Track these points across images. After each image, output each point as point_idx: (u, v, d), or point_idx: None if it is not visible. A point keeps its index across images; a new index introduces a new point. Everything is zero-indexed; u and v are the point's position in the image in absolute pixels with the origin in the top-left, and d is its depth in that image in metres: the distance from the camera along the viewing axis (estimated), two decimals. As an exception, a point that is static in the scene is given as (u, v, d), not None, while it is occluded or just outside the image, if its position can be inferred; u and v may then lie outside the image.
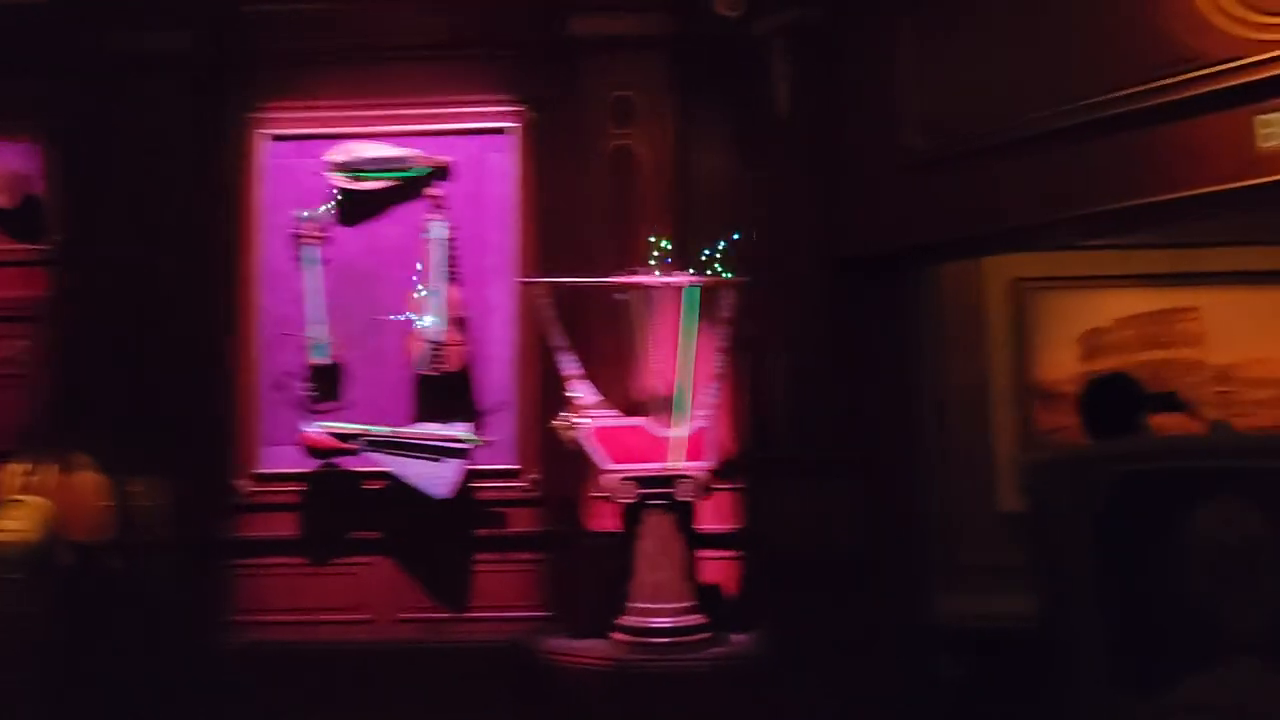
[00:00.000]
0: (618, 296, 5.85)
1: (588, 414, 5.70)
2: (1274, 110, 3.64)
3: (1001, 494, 6.17)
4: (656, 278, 5.86)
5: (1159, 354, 6.17)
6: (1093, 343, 6.22)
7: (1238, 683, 2.41)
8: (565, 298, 5.97)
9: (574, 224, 6.33)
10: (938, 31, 4.85)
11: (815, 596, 5.28)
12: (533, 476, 6.34)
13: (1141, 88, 4.05)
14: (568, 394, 5.75)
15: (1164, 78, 3.97)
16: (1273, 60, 3.66)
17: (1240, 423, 6.03)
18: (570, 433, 5.68)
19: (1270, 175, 3.65)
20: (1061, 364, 6.22)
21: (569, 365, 5.76)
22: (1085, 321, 6.23)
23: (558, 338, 5.76)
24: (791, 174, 5.50)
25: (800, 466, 5.32)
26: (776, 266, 5.62)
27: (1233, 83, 3.76)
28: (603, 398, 5.82)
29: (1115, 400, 3.45)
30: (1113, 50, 4.17)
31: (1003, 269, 6.28)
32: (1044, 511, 2.86)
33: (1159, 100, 3.99)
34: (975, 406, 6.23)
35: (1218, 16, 3.81)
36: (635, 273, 5.85)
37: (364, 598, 6.31)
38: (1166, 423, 3.98)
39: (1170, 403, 4.14)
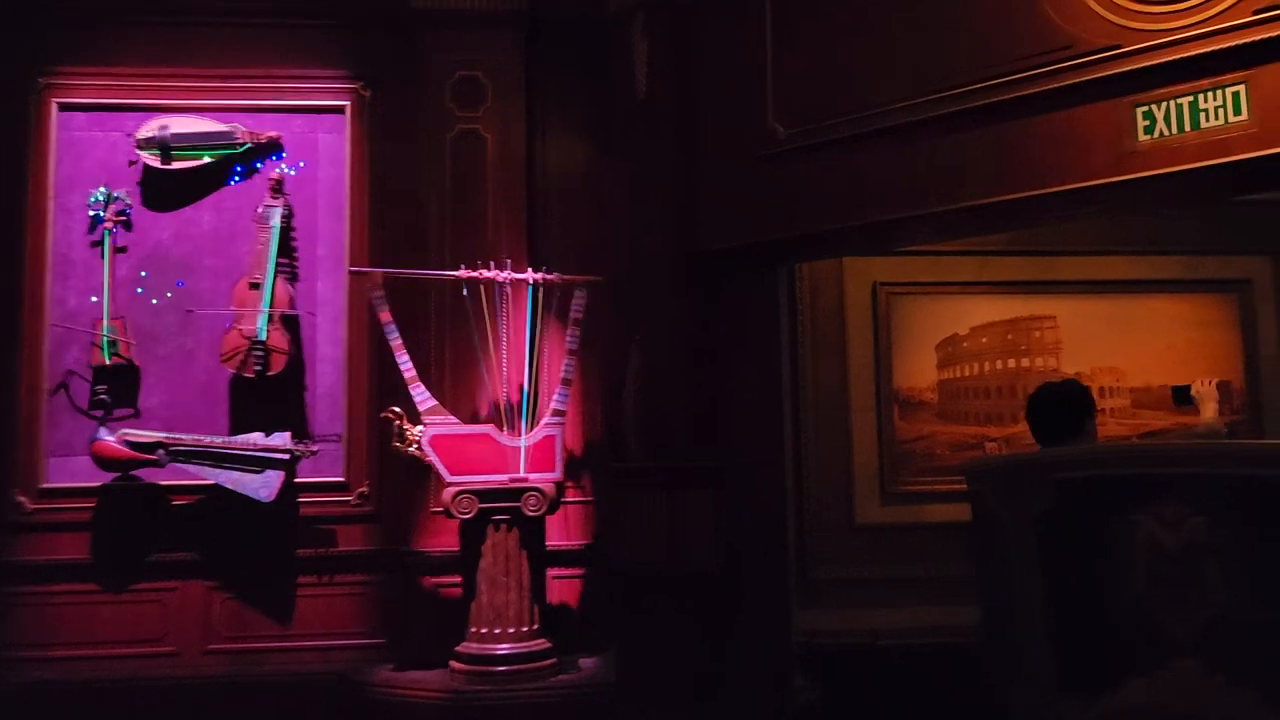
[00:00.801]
0: (463, 294, 5.35)
1: (427, 420, 5.18)
2: (1155, 101, 3.47)
3: (859, 505, 5.95)
4: (503, 274, 5.40)
5: (1016, 362, 6.08)
6: (950, 350, 6.08)
7: (1178, 685, 2.42)
8: (403, 293, 5.45)
9: (414, 214, 5.82)
10: (801, 12, 4.57)
11: (670, 617, 4.89)
12: (363, 490, 5.76)
13: (1015, 76, 3.84)
14: (407, 399, 5.22)
15: (1039, 66, 3.77)
16: (1154, 48, 3.49)
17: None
18: (406, 442, 5.16)
19: (1150, 169, 3.48)
20: (920, 371, 6.06)
21: (406, 366, 5.23)
22: (944, 328, 6.09)
23: (394, 336, 5.22)
24: (649, 163, 5.13)
25: (655, 477, 4.93)
26: (632, 263, 5.24)
27: (1111, 71, 3.58)
28: (443, 403, 5.31)
29: (1063, 407, 3.40)
30: (985, 36, 3.96)
31: (864, 272, 6.08)
32: (987, 517, 2.84)
33: (1033, 89, 3.79)
34: (834, 414, 6.00)
35: (1096, 2, 3.62)
36: (480, 268, 5.37)
37: (168, 627, 5.60)
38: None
39: (1184, 397, 4.17)
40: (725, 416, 5.05)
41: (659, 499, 4.87)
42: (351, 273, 5.68)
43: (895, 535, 5.83)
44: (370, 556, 5.71)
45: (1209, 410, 4.02)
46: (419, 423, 5.18)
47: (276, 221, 5.67)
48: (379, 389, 5.70)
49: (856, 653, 5.49)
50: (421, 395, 5.22)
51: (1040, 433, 3.46)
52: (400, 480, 5.58)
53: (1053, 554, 2.67)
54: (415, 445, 5.15)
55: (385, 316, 5.21)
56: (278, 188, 5.75)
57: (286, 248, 5.78)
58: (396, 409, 5.19)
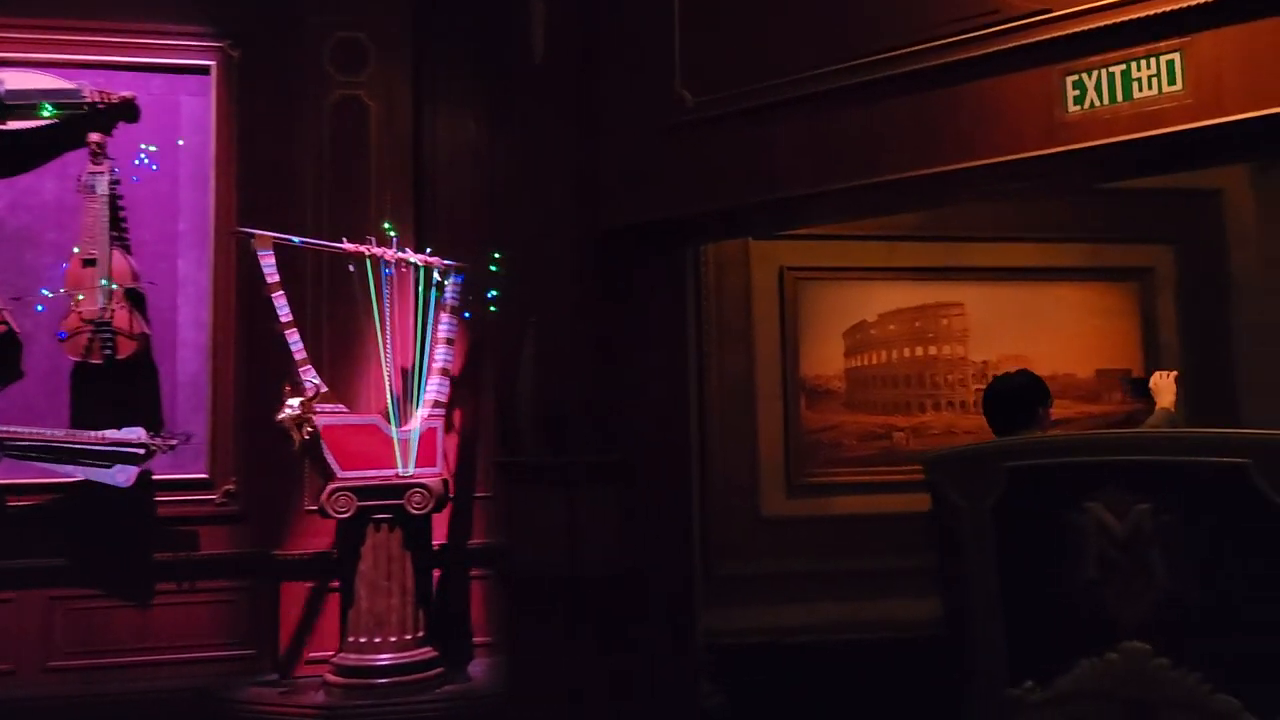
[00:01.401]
0: (349, 270, 4.87)
1: (319, 408, 4.68)
2: (1086, 69, 3.26)
3: (765, 498, 5.71)
4: (390, 251, 4.95)
5: (924, 350, 5.91)
6: (858, 337, 5.88)
7: (1126, 667, 2.48)
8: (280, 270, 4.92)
9: (288, 186, 5.31)
10: (711, -28, 4.26)
11: (568, 621, 4.55)
12: (229, 488, 5.25)
13: (938, 42, 3.58)
14: (294, 383, 4.71)
15: (963, 31, 3.52)
16: (1084, 13, 3.28)
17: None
18: (299, 431, 4.63)
19: (1081, 141, 3.27)
20: (828, 359, 5.84)
21: (297, 347, 4.72)
22: (852, 315, 5.88)
23: (284, 310, 4.68)
24: (547, 133, 4.76)
25: (553, 473, 4.57)
26: (528, 242, 4.86)
27: (1040, 38, 3.35)
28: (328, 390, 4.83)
29: (1015, 397, 3.48)
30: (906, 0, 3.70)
31: (771, 257, 5.83)
32: (944, 507, 2.89)
33: (957, 56, 3.54)
34: (739, 404, 5.74)
35: (1024, -38, 3.40)
36: (365, 245, 4.91)
37: (2, 643, 4.99)
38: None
39: (1141, 389, 4.32)
40: (629, 408, 4.72)
41: (557, 496, 4.52)
42: (236, 234, 4.97)
43: (802, 528, 5.61)
44: (237, 560, 5.21)
45: (1165, 401, 4.09)
46: (310, 411, 4.67)
47: (105, 189, 5.07)
48: (248, 377, 5.20)
49: (764, 652, 5.26)
50: (313, 380, 4.73)
51: (995, 423, 3.50)
52: (270, 476, 5.10)
53: (1007, 542, 2.73)
54: (308, 435, 4.65)
55: (274, 280, 4.65)
56: (99, 151, 5.14)
57: (125, 218, 5.20)
58: (298, 395, 4.66)
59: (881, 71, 3.72)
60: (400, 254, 4.99)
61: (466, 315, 5.20)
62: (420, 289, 5.08)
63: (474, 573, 5.33)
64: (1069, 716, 2.59)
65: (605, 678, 4.51)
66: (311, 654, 4.95)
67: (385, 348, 4.92)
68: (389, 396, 4.92)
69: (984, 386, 5.83)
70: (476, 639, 5.27)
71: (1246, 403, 5.93)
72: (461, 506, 5.33)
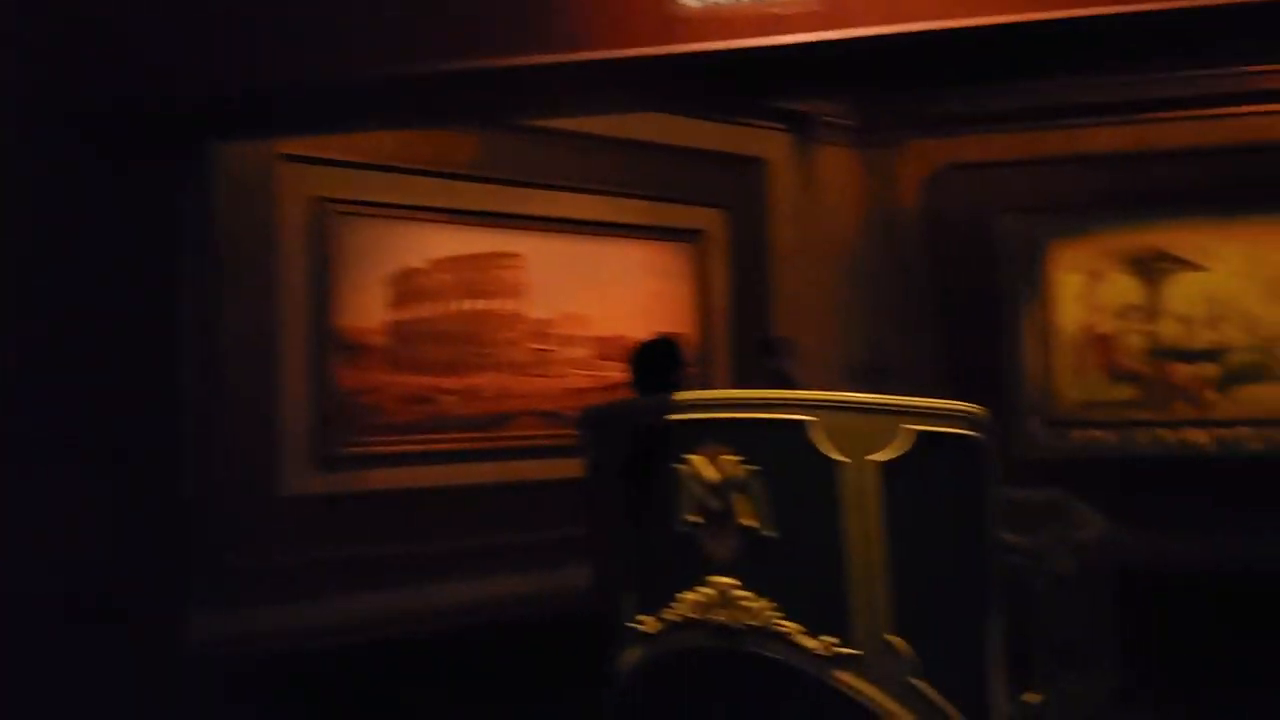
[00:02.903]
0: None
1: None
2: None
3: (289, 474, 4.74)
4: None
5: (479, 303, 5.29)
6: (405, 286, 5.11)
7: (716, 598, 2.82)
8: None
9: None
10: None
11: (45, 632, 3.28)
12: None
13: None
14: None
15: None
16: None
17: (555, 384, 5.45)
18: None
19: (699, 41, 2.78)
20: (368, 310, 5.00)
21: None
22: (398, 260, 5.09)
23: None
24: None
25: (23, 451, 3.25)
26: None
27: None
28: None
29: (654, 361, 3.57)
30: None
31: (303, 183, 4.86)
32: (589, 464, 3.20)
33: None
34: (256, 361, 4.71)
35: None
36: None
37: None
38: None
39: (770, 348, 4.80)
40: (96, 367, 3.51)
41: (38, 481, 3.22)
42: None
43: (335, 508, 4.75)
44: None
45: (785, 365, 4.66)
46: None
47: None
48: None
49: (279, 660, 4.31)
50: None
51: (638, 386, 3.59)
52: None
53: (633, 495, 3.06)
54: None
55: None
56: None
57: None
58: None
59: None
60: None
61: None
62: None
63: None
64: (674, 644, 2.93)
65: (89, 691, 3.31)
66: None
67: None
68: None
69: (542, 347, 5.51)
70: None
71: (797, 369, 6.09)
72: None
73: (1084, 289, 6.17)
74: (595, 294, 5.58)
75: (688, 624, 2.85)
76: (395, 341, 5.05)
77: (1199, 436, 5.98)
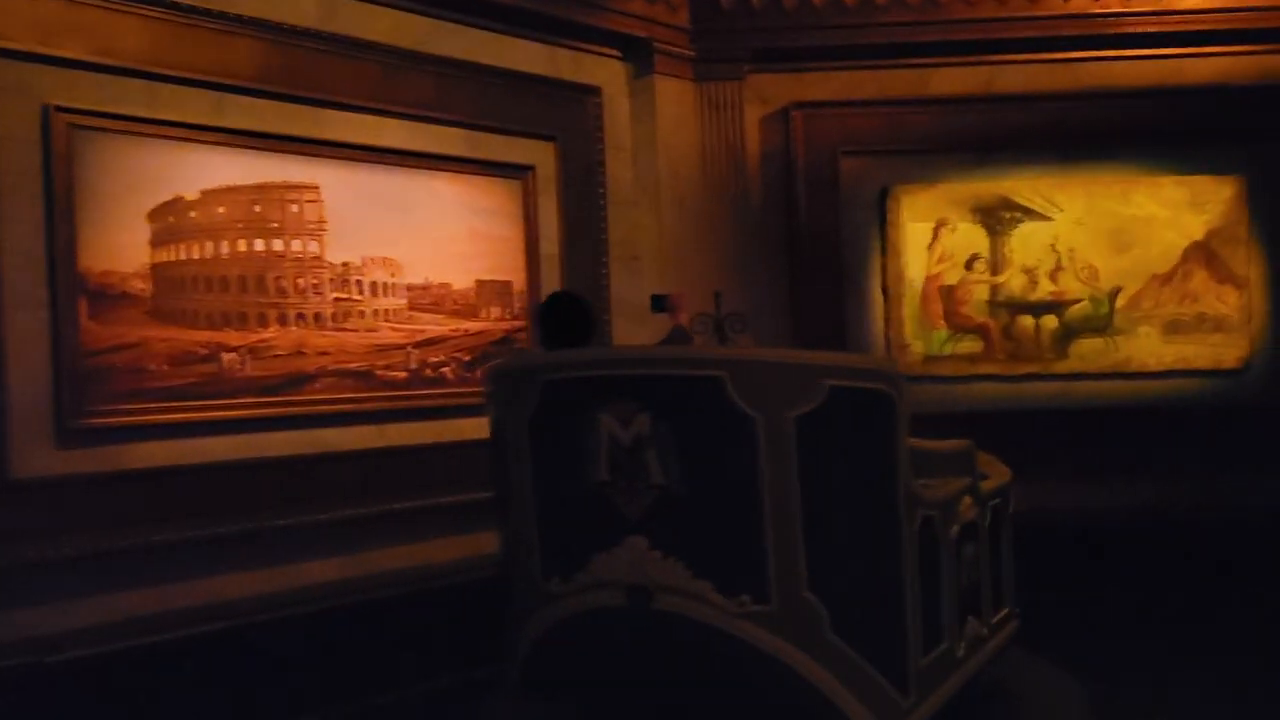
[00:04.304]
0: None
1: None
2: None
3: (20, 452, 3.81)
4: None
5: (266, 244, 4.43)
6: (172, 221, 4.19)
7: (629, 558, 2.76)
8: None
9: None
10: None
11: None
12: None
13: None
14: None
15: None
16: None
17: (362, 340, 4.68)
18: None
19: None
20: (125, 250, 4.07)
21: None
22: (162, 189, 4.16)
23: None
24: None
25: None
26: None
27: None
28: None
29: (566, 314, 3.45)
30: None
31: (28, 86, 3.86)
32: (495, 420, 3.11)
33: None
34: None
35: None
36: None
37: None
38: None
39: (660, 305, 4.53)
40: None
41: None
42: None
43: (82, 493, 3.87)
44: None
45: (682, 319, 4.40)
46: None
47: None
48: None
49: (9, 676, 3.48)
50: None
51: (544, 341, 3.46)
52: None
53: (540, 451, 2.93)
54: None
55: None
56: None
57: None
58: None
59: None
60: None
61: None
62: None
63: None
64: (587, 604, 2.85)
65: None
66: None
67: None
68: None
69: (345, 296, 4.71)
70: None
71: (616, 321, 5.53)
72: None
73: (929, 237, 5.89)
74: (408, 235, 4.82)
75: (599, 584, 2.80)
76: (161, 288, 4.15)
77: (1042, 389, 5.85)
